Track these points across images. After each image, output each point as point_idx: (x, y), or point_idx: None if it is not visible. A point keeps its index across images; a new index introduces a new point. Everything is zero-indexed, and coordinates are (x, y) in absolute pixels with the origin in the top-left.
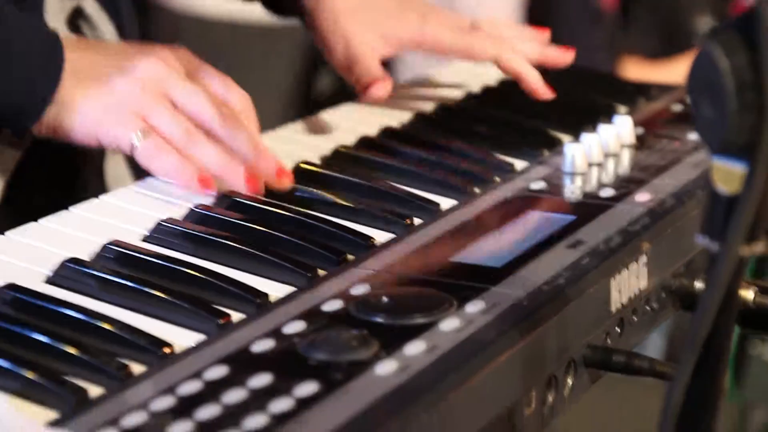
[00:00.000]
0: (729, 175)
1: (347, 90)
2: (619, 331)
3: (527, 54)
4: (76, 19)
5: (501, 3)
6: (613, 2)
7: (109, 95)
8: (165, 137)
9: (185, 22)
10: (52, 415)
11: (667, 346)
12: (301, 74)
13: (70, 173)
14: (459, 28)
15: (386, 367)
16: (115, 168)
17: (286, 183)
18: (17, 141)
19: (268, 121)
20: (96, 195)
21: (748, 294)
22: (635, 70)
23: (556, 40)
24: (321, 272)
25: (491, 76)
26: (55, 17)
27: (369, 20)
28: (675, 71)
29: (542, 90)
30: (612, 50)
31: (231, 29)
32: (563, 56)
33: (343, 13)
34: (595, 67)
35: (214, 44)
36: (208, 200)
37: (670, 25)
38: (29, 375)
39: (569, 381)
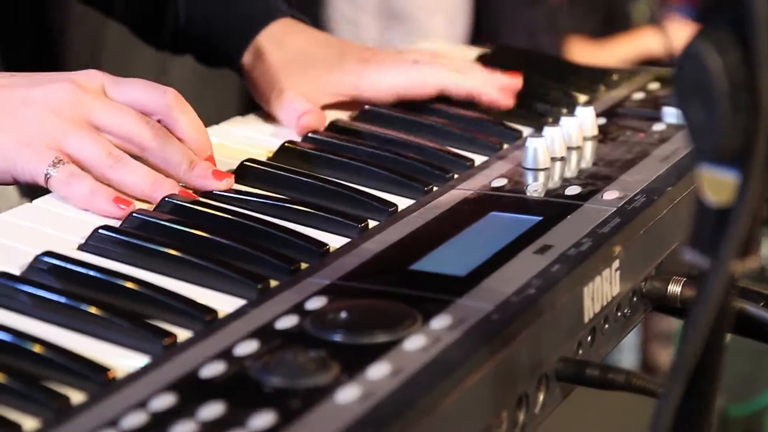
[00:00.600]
0: (720, 184)
1: None
2: (590, 340)
3: (481, 80)
4: None
5: None
6: None
7: (19, 131)
8: (83, 164)
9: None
10: None
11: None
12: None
13: None
14: (400, 66)
15: (348, 394)
16: None
17: (224, 186)
18: None
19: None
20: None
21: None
22: (578, 50)
23: (498, 21)
24: (273, 283)
25: None
26: None
27: (304, 74)
28: (615, 51)
29: (503, 100)
30: (555, 31)
31: None
32: (515, 83)
33: (280, 69)
34: (538, 48)
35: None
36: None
37: (609, 6)
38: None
39: (540, 397)
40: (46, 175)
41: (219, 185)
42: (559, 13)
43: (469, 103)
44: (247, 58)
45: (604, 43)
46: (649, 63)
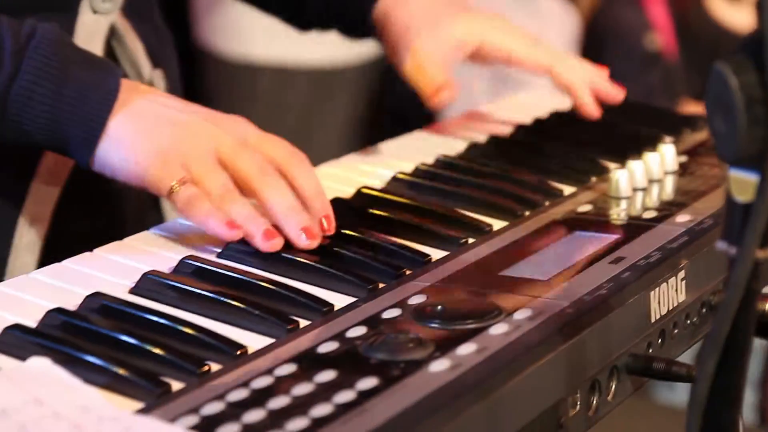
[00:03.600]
0: (743, 184)
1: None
2: (660, 342)
3: (582, 77)
4: (110, 38)
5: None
6: (671, 44)
7: (160, 143)
8: (203, 188)
9: (235, 69)
10: (138, 405)
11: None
12: (361, 116)
13: (119, 193)
14: (522, 39)
15: (439, 365)
16: None
17: (305, 245)
18: (53, 179)
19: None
20: (152, 213)
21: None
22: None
23: (613, 82)
24: (381, 285)
25: (542, 108)
26: (90, 37)
27: (433, 31)
28: None
29: (590, 107)
30: (671, 93)
31: (280, 74)
32: (615, 92)
33: (411, 26)
34: None
35: (263, 90)
36: None
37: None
38: (119, 371)
39: (612, 386)
40: (171, 189)
41: (302, 243)
42: (676, 75)
43: (562, 137)
44: (377, 21)
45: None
46: None
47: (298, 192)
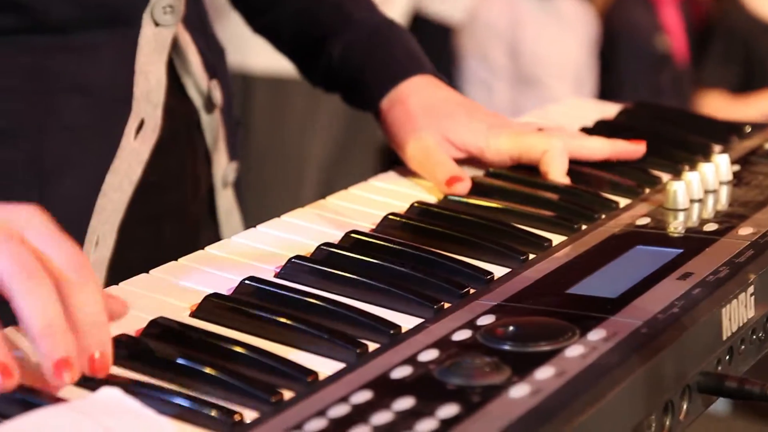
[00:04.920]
0: None
1: None
2: (728, 358)
3: (597, 147)
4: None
5: (568, 47)
6: (681, 46)
7: None
8: None
9: (259, 83)
10: None
11: None
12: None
13: (178, 210)
14: (524, 131)
15: (519, 391)
16: (226, 203)
17: (56, 381)
18: (118, 194)
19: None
20: (208, 229)
21: None
22: (716, 104)
23: (622, 84)
24: (446, 305)
25: (587, 118)
26: (152, 50)
27: (438, 125)
28: (755, 106)
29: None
30: (680, 95)
31: (278, 85)
32: (635, 150)
33: (414, 116)
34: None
35: (287, 104)
36: (336, 238)
37: (749, 59)
38: (192, 400)
39: (684, 406)
40: None
41: (51, 377)
42: (685, 77)
43: None
44: (386, 102)
45: (743, 97)
46: None
47: (71, 315)
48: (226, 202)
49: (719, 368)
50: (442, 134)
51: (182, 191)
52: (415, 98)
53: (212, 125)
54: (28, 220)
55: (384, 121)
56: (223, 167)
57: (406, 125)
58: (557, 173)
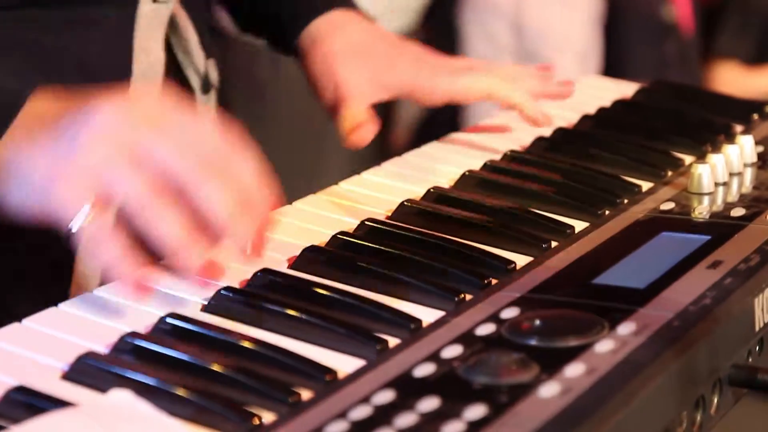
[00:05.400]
0: None
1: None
2: (758, 349)
3: (526, 89)
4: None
5: (572, 22)
6: (688, 15)
7: (54, 154)
8: (118, 209)
9: (261, 58)
10: None
11: None
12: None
13: None
14: (454, 71)
15: (549, 390)
16: None
17: (254, 257)
18: None
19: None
20: None
21: None
22: (730, 75)
23: (628, 55)
24: (467, 296)
25: (604, 98)
26: (150, 27)
27: (362, 65)
28: None
29: (542, 119)
30: (686, 66)
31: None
32: (564, 90)
33: (335, 57)
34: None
35: (288, 80)
36: (350, 226)
37: (765, 29)
38: (205, 402)
39: (715, 400)
40: (71, 225)
41: (248, 259)
42: (691, 48)
43: (629, 128)
44: (305, 41)
45: (758, 68)
46: None
47: (235, 188)
48: None
49: (750, 360)
50: (367, 76)
51: None
52: (338, 37)
53: (207, 107)
54: (175, 111)
55: (304, 63)
56: None
57: (329, 67)
58: (537, 113)
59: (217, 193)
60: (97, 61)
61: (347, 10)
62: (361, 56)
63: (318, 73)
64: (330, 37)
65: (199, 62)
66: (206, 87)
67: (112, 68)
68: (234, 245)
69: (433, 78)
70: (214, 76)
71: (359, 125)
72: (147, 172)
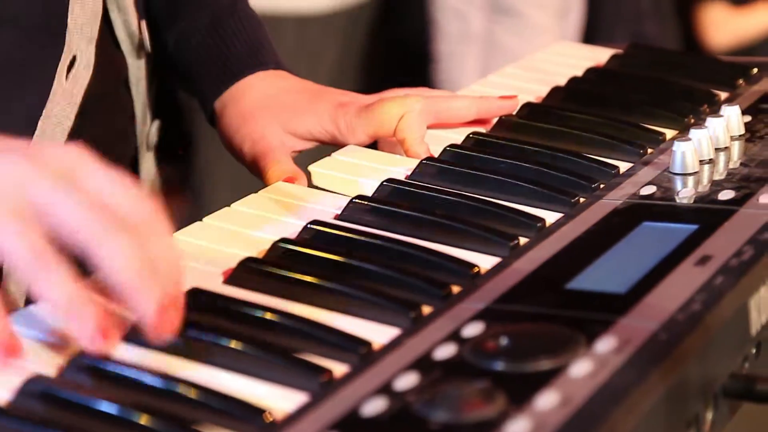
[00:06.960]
0: None
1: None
2: (755, 354)
3: (463, 107)
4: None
5: None
6: None
7: None
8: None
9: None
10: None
11: None
12: (354, 63)
13: None
14: (369, 108)
15: (518, 427)
16: (148, 166)
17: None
18: None
19: None
20: None
21: None
22: (715, 17)
23: (602, 10)
24: (426, 309)
25: (576, 66)
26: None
27: (272, 118)
28: (757, 19)
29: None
30: (661, 19)
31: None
32: (508, 106)
33: (249, 114)
34: (643, 36)
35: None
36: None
37: None
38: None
39: (709, 416)
40: None
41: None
42: (665, 1)
43: (603, 100)
44: (218, 105)
45: (744, 9)
46: None
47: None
48: (148, 165)
49: (745, 366)
50: (282, 127)
51: (109, 151)
52: (250, 95)
53: (138, 76)
54: (81, 163)
55: (218, 125)
56: (148, 126)
57: (241, 127)
58: (414, 140)
59: (120, 254)
60: (30, 14)
61: (268, 69)
62: (270, 109)
63: (232, 130)
64: (242, 98)
65: (132, 20)
66: (138, 51)
67: (46, 23)
68: (133, 313)
69: (352, 120)
70: (146, 38)
71: (290, 179)
72: (41, 229)
